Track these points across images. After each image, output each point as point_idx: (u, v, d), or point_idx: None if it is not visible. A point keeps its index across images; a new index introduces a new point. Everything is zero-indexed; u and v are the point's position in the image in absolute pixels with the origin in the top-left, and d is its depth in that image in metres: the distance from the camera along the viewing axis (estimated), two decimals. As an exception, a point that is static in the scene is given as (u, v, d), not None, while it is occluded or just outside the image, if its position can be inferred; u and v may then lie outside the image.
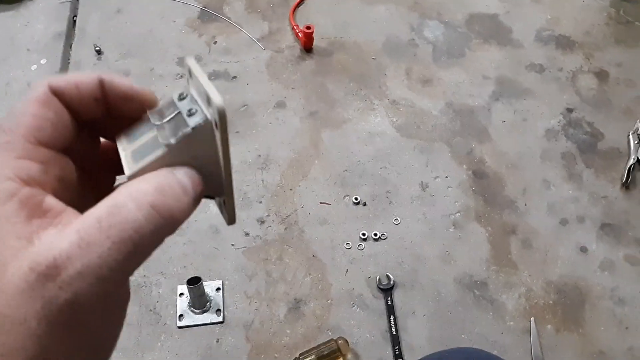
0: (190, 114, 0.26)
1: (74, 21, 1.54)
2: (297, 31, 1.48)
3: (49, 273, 0.21)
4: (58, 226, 0.23)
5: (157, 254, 0.93)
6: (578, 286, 1.15)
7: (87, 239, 0.22)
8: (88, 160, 0.30)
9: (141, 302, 1.09)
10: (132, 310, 1.08)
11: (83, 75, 0.27)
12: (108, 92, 0.28)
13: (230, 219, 0.32)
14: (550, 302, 1.13)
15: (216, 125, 0.26)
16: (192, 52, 1.47)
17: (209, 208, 1.20)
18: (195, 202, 0.26)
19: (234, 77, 1.43)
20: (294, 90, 1.41)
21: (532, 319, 1.10)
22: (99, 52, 1.47)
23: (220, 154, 0.27)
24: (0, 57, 1.45)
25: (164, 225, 0.24)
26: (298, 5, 1.57)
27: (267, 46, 1.49)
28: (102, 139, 0.31)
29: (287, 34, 1.51)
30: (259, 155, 1.29)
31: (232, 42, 1.50)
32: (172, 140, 0.26)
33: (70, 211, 0.24)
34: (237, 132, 1.33)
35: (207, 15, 1.55)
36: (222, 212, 0.33)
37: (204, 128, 0.26)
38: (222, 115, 0.25)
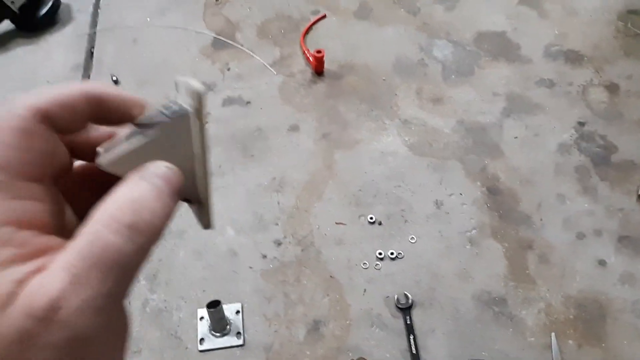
0: (169, 109, 0.26)
1: (92, 52, 1.59)
2: (308, 55, 1.51)
3: (46, 316, 0.21)
4: (47, 266, 0.22)
5: (176, 278, 0.95)
6: (598, 300, 1.14)
7: (76, 274, 0.21)
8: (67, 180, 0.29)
9: (162, 327, 1.10)
10: (153, 335, 1.09)
11: (65, 92, 0.25)
12: (97, 107, 0.26)
13: (205, 224, 0.30)
14: (571, 316, 1.12)
15: (196, 116, 0.26)
16: (206, 79, 1.50)
17: (226, 231, 1.22)
18: (174, 200, 0.26)
19: (248, 102, 1.46)
20: (307, 114, 1.43)
21: (552, 334, 1.09)
22: (115, 82, 1.51)
23: (198, 143, 0.27)
24: (21, 89, 1.50)
25: (146, 240, 0.23)
26: (308, 30, 1.61)
27: (279, 71, 1.52)
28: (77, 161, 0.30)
29: (298, 58, 1.55)
30: (274, 178, 1.31)
31: (244, 68, 1.53)
32: (149, 133, 0.26)
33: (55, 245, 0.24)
34: (252, 155, 1.35)
35: (220, 43, 1.59)
36: (197, 216, 0.31)
37: (182, 118, 0.26)
38: (198, 98, 0.25)
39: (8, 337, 0.20)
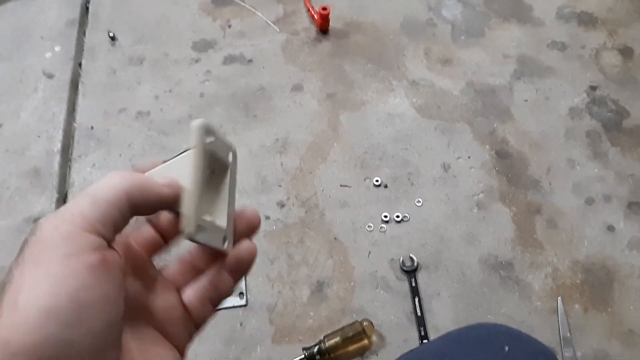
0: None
1: (87, 7, 1.53)
2: (313, 13, 1.45)
3: None
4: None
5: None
6: (606, 265, 1.12)
7: None
8: None
9: (163, 286, 1.08)
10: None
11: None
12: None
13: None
14: (578, 281, 1.10)
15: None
16: (207, 36, 1.45)
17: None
18: None
19: (250, 61, 1.41)
20: (311, 73, 1.38)
21: (559, 298, 1.08)
22: (112, 38, 1.46)
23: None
24: (14, 45, 1.45)
25: None
26: (313, -14, 1.54)
27: (283, 29, 1.47)
28: None
29: (302, 15, 1.49)
30: (277, 139, 1.28)
31: (246, 25, 1.48)
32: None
33: None
34: (254, 115, 1.31)
35: (221, -1, 1.53)
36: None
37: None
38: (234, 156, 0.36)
39: None
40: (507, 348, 0.57)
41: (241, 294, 1.07)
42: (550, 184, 1.22)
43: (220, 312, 1.06)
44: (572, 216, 1.18)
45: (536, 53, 1.43)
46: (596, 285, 1.10)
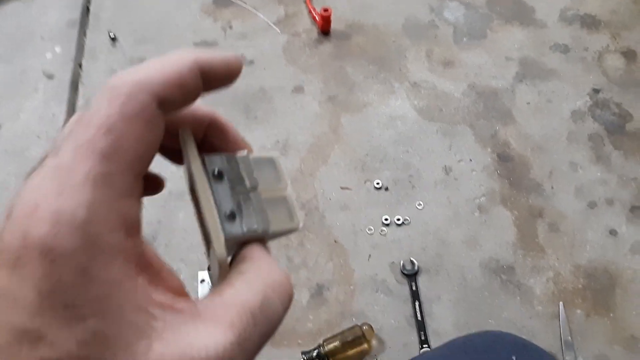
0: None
1: (88, 8, 1.53)
2: (314, 14, 1.45)
3: None
4: (201, 318, 0.20)
5: (176, 240, 0.91)
6: (608, 270, 1.11)
7: (244, 336, 0.20)
8: None
9: (162, 288, 1.08)
10: (153, 297, 1.07)
11: (177, 69, 0.22)
12: (204, 79, 0.23)
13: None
14: (580, 286, 1.10)
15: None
16: (208, 38, 1.44)
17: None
18: None
19: (251, 62, 1.40)
20: (312, 75, 1.38)
21: (561, 303, 1.07)
22: (113, 39, 1.45)
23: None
24: (15, 45, 1.44)
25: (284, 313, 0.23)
26: (314, -13, 1.54)
27: (284, 30, 1.46)
28: None
29: (303, 17, 1.48)
30: (278, 141, 1.27)
31: (248, 26, 1.47)
32: (271, 230, 0.26)
33: (185, 300, 0.21)
34: (255, 117, 1.31)
35: (222, 0, 1.52)
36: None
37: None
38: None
39: None
40: (514, 358, 0.56)
41: (240, 296, 1.06)
42: (552, 187, 1.21)
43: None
44: (574, 220, 1.17)
45: (539, 55, 1.42)
46: (598, 290, 1.09)
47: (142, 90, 0.20)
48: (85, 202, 0.18)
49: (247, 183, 0.27)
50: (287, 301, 0.23)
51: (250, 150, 0.28)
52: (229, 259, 0.25)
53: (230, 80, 0.25)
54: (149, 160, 0.21)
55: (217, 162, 0.26)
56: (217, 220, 0.25)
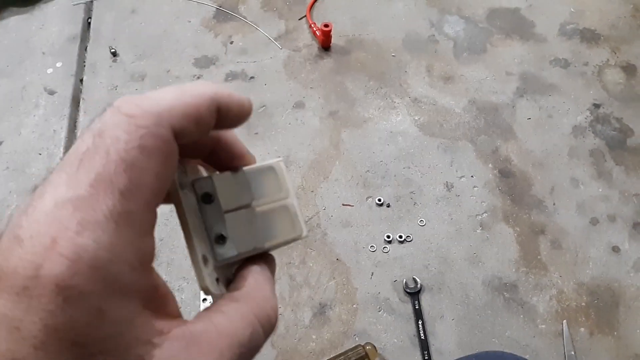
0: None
1: (89, 23, 1.53)
2: (315, 29, 1.45)
3: None
4: (195, 347, 0.20)
5: (178, 258, 0.90)
6: (611, 287, 1.11)
7: None
8: None
9: (164, 308, 1.07)
10: (154, 316, 1.06)
11: (195, 101, 0.21)
12: (219, 116, 0.23)
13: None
14: (583, 304, 1.09)
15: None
16: (208, 52, 1.44)
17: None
18: None
19: (252, 78, 1.40)
20: (313, 90, 1.38)
21: (564, 321, 1.07)
22: (114, 54, 1.45)
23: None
24: (15, 60, 1.44)
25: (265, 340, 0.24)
26: (315, 2, 1.54)
27: (285, 45, 1.46)
28: None
29: (304, 32, 1.49)
30: (279, 157, 1.27)
31: (248, 41, 1.47)
32: (267, 245, 0.27)
33: (195, 323, 0.22)
34: (255, 133, 1.30)
35: (223, 15, 1.52)
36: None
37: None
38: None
39: None
40: None
41: (242, 316, 1.06)
42: (554, 203, 1.21)
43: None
44: (576, 237, 1.17)
45: (539, 70, 1.42)
46: (602, 308, 1.09)
47: (163, 125, 0.20)
48: (107, 242, 0.18)
49: (242, 199, 0.27)
50: (270, 332, 0.24)
51: (252, 163, 0.28)
52: (233, 271, 0.27)
53: (239, 122, 0.25)
54: (163, 195, 0.21)
55: (207, 185, 0.26)
56: (200, 262, 0.24)
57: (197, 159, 0.28)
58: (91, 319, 0.17)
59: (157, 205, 0.20)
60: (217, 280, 0.25)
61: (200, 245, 0.25)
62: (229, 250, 0.25)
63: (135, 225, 0.19)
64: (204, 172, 0.28)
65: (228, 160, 0.28)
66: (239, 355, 0.21)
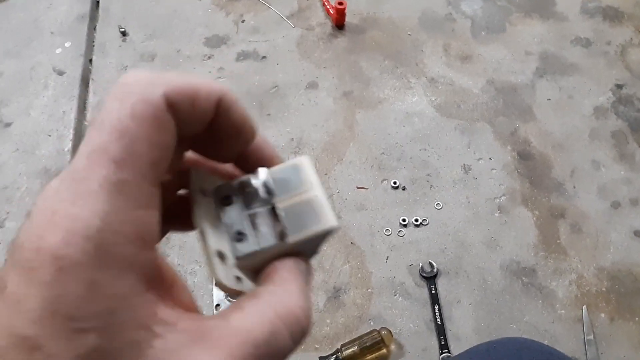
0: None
1: (98, 2, 1.50)
2: (328, 7, 1.41)
3: None
4: (202, 342, 0.19)
5: (191, 242, 0.88)
6: (633, 272, 1.08)
7: None
8: None
9: (177, 291, 1.06)
10: (167, 299, 1.05)
11: (198, 85, 0.21)
12: (221, 115, 0.22)
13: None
14: (603, 289, 1.07)
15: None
16: (219, 32, 1.41)
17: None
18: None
19: (264, 57, 1.37)
20: (326, 70, 1.35)
21: (584, 307, 1.05)
22: (123, 34, 1.43)
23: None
24: (24, 40, 1.42)
25: (298, 344, 0.22)
26: (328, -20, 1.50)
27: (297, 24, 1.43)
28: None
29: (317, 10, 1.45)
30: (292, 139, 1.24)
31: (260, 20, 1.44)
32: (290, 240, 0.24)
33: (194, 313, 0.20)
34: (268, 114, 1.28)
35: (234, -7, 1.49)
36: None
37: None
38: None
39: None
40: None
41: (256, 299, 1.04)
42: (574, 186, 1.18)
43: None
44: (597, 220, 1.14)
45: (559, 49, 1.38)
46: (623, 293, 1.06)
47: (155, 92, 0.19)
48: (99, 211, 0.17)
49: (262, 198, 0.26)
50: (299, 335, 0.21)
51: (279, 162, 0.28)
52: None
53: (239, 134, 0.24)
54: (163, 168, 0.20)
55: (227, 188, 0.26)
56: (213, 256, 0.24)
57: (229, 162, 0.27)
58: (84, 291, 0.17)
59: (157, 178, 0.20)
60: (239, 278, 0.25)
61: (217, 242, 0.25)
62: (248, 246, 0.25)
63: (131, 195, 0.18)
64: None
65: (258, 164, 0.26)
66: (253, 356, 0.19)
